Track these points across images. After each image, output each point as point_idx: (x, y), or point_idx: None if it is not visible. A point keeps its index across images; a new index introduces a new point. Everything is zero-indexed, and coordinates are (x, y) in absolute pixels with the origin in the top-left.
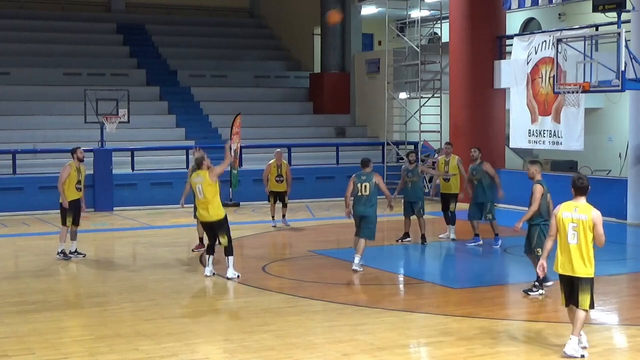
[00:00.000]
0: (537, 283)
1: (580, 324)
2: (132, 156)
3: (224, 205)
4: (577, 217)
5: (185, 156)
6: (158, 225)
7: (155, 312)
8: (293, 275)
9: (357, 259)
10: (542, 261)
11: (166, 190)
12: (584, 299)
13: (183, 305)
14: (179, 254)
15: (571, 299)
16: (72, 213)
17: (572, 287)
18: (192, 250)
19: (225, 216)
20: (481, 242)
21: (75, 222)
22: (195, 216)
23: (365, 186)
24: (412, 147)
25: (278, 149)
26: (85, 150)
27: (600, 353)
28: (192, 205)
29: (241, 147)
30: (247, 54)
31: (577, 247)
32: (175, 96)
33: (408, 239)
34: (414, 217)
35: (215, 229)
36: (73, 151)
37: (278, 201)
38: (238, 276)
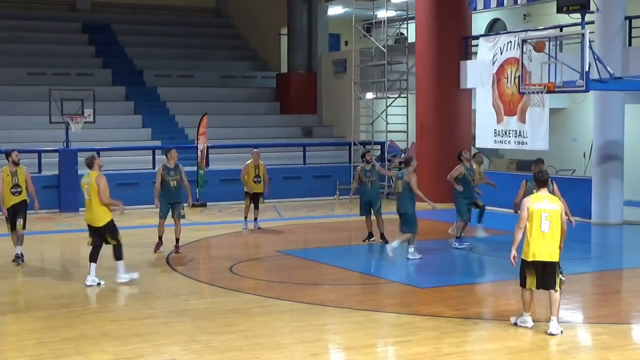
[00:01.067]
0: None
1: (558, 304)
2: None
3: (192, 205)
4: (549, 207)
5: (152, 156)
6: (124, 225)
7: (122, 313)
8: (260, 276)
9: (410, 249)
10: (514, 252)
11: (132, 191)
12: (556, 281)
13: (150, 306)
14: (145, 255)
15: (542, 284)
16: (10, 218)
17: (542, 273)
18: (155, 252)
19: (111, 221)
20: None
21: (13, 227)
22: (160, 216)
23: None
24: (368, 147)
25: (255, 149)
26: (50, 151)
27: (565, 351)
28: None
29: (208, 147)
30: (213, 54)
31: (550, 235)
32: (142, 96)
33: (372, 238)
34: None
35: (101, 234)
36: (7, 154)
37: (252, 202)
38: (133, 279)
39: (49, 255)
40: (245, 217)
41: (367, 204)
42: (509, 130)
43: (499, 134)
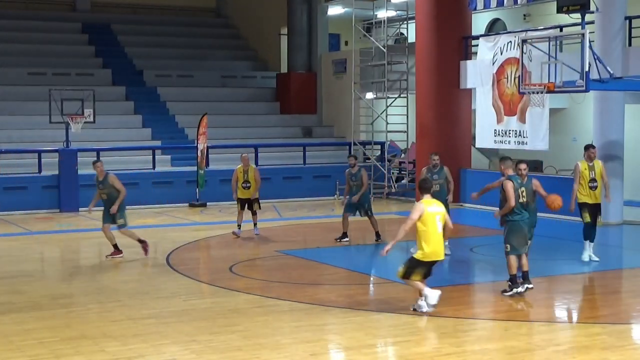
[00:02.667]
0: (511, 282)
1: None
2: (98, 156)
3: (191, 205)
4: (440, 210)
5: (152, 156)
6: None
7: (122, 313)
8: (260, 276)
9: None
10: (389, 247)
11: (132, 191)
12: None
13: (150, 306)
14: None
15: (428, 275)
16: None
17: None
18: (106, 257)
19: None
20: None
21: None
22: (105, 221)
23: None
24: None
25: (244, 153)
26: (50, 151)
27: (565, 351)
28: (103, 209)
29: (208, 148)
30: (213, 54)
31: (440, 235)
32: (142, 96)
33: (346, 239)
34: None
35: None
36: None
37: (247, 208)
38: None
39: (49, 255)
40: (239, 225)
41: (353, 205)
42: (509, 130)
43: (499, 134)
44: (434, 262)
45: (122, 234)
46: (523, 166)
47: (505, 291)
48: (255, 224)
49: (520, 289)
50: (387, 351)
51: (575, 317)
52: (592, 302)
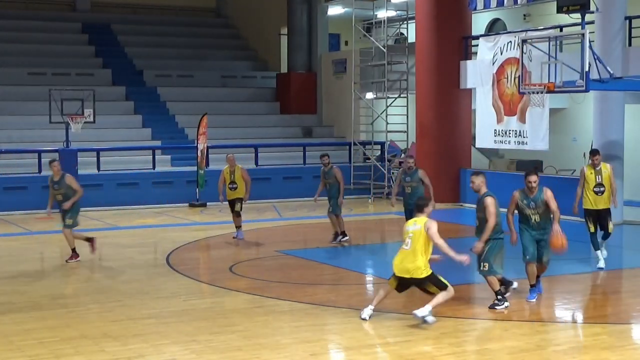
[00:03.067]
0: (499, 297)
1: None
2: (98, 156)
3: (191, 205)
4: (412, 229)
5: (152, 156)
6: (124, 225)
7: (122, 313)
8: (260, 276)
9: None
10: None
11: (132, 191)
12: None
13: (150, 306)
14: (145, 255)
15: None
16: None
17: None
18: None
19: None
20: None
21: None
22: (65, 225)
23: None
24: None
25: (230, 154)
26: (50, 151)
27: (565, 351)
28: (58, 211)
29: (208, 147)
30: (213, 54)
31: (406, 252)
32: (142, 96)
33: (344, 238)
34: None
35: None
36: None
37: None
38: None
39: (49, 255)
40: (237, 226)
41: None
42: (509, 130)
43: (499, 134)
44: (401, 278)
45: (64, 235)
46: (533, 179)
47: (496, 305)
48: (239, 227)
49: (508, 304)
50: (387, 351)
51: (575, 317)
52: (592, 302)
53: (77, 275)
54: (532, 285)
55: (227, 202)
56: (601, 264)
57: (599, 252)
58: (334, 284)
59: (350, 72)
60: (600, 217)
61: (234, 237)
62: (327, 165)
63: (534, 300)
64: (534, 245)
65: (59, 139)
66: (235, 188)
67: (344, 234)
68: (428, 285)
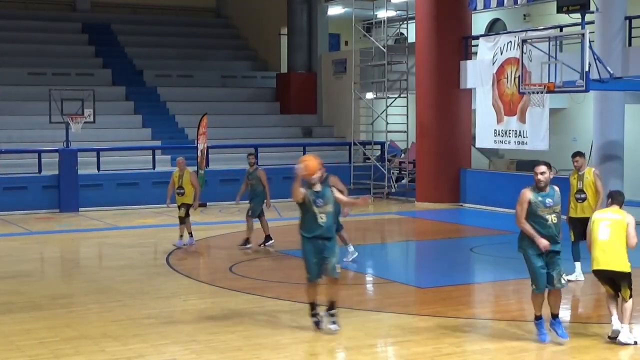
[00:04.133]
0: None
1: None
2: (98, 156)
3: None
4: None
5: (152, 156)
6: (124, 225)
7: (122, 313)
8: (260, 276)
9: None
10: None
11: (132, 191)
12: None
13: (150, 306)
14: (145, 255)
15: None
16: None
17: None
18: None
19: None
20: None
21: None
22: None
23: None
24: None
25: (180, 157)
26: (50, 151)
27: (565, 351)
28: None
29: (208, 148)
30: (213, 54)
31: None
32: (142, 96)
33: (268, 242)
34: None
35: None
36: None
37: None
38: None
39: (49, 255)
40: (180, 236)
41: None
42: (509, 130)
43: (499, 134)
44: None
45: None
46: (541, 169)
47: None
48: (190, 234)
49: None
50: (387, 351)
51: (575, 317)
52: (592, 302)
53: (77, 275)
54: (538, 317)
55: (173, 205)
56: (575, 276)
57: (578, 263)
58: None
59: (350, 72)
60: (585, 226)
61: (174, 245)
62: (252, 165)
63: (547, 341)
64: (544, 276)
65: (59, 139)
66: (183, 193)
67: (268, 238)
68: None
